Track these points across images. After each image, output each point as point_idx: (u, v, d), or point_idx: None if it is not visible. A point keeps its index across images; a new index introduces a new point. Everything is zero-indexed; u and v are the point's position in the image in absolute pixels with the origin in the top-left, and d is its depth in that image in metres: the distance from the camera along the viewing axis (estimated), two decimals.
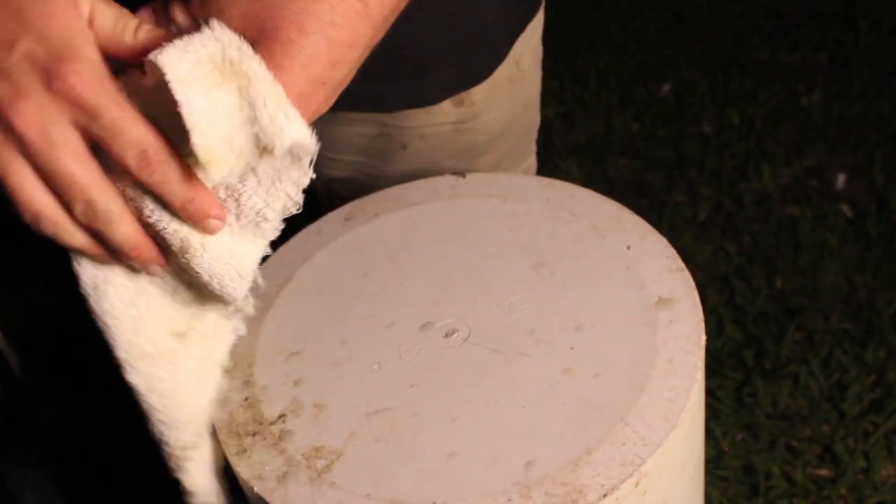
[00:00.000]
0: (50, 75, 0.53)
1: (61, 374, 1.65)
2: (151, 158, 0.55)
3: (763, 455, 1.54)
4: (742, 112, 2.22)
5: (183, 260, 0.60)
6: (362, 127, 0.93)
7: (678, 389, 0.66)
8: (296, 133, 0.54)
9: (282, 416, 0.69)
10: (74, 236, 0.59)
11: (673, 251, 0.76)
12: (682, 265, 0.75)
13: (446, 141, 0.95)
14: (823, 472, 1.52)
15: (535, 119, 1.06)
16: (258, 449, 0.68)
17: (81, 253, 0.62)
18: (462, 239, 0.81)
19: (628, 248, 0.77)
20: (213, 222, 0.59)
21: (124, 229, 0.58)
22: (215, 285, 0.62)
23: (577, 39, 2.46)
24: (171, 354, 0.66)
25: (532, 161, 1.10)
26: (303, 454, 0.66)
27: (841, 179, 2.02)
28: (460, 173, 0.87)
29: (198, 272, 0.61)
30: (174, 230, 0.59)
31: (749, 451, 1.55)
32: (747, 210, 1.98)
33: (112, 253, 0.61)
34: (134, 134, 0.54)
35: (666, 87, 2.33)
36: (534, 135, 1.08)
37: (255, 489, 0.65)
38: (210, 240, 0.60)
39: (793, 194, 2.00)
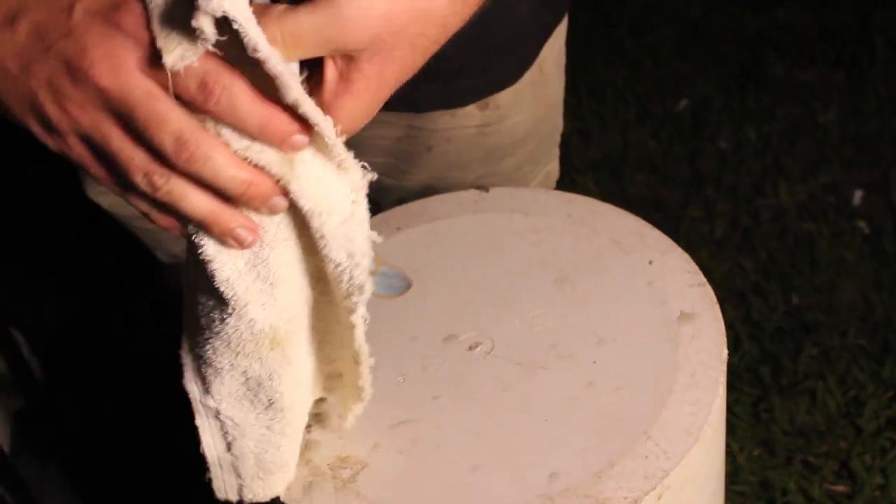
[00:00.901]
0: (109, 23, 0.51)
1: (83, 382, 1.66)
2: (212, 85, 0.51)
3: (780, 471, 1.54)
4: (758, 128, 2.22)
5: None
6: (388, 129, 0.94)
7: (700, 403, 0.66)
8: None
9: (308, 427, 0.70)
10: (185, 196, 0.54)
11: (694, 266, 0.77)
12: (704, 280, 0.75)
13: (471, 143, 0.96)
14: (840, 488, 1.52)
15: (557, 123, 1.07)
16: None
17: (198, 226, 0.56)
18: (484, 253, 0.82)
19: (650, 263, 0.77)
20: (298, 139, 0.53)
21: (224, 161, 0.53)
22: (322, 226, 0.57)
23: (594, 55, 2.47)
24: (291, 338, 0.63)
25: (554, 166, 1.10)
26: (328, 464, 0.67)
27: (858, 196, 2.02)
28: (483, 188, 0.88)
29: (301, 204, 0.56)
30: (267, 163, 0.54)
31: (765, 467, 1.55)
32: (764, 226, 1.98)
33: (232, 217, 0.56)
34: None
35: (682, 104, 2.34)
36: (557, 139, 1.09)
37: (281, 498, 0.66)
38: (304, 169, 0.55)
39: (809, 211, 2.01)
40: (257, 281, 0.58)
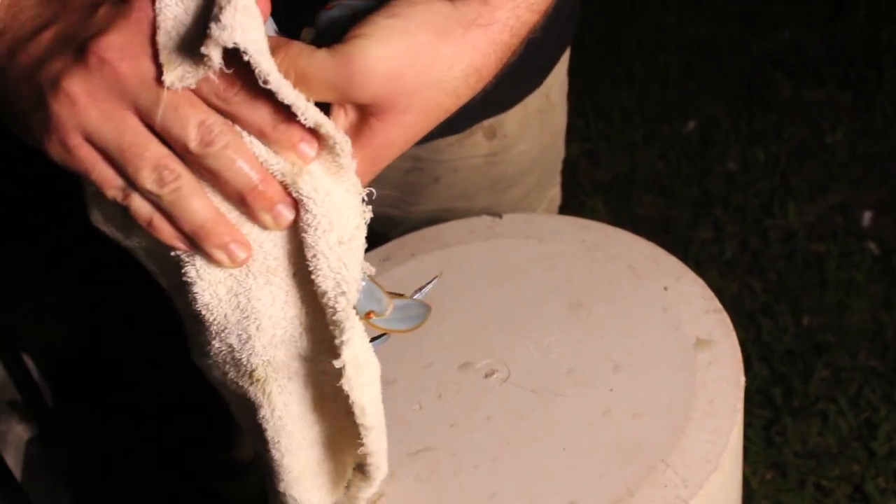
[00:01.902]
0: (130, 17, 0.51)
1: (92, 406, 1.66)
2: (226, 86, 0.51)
3: (792, 494, 1.53)
4: (766, 149, 2.22)
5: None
6: (395, 161, 0.94)
7: (718, 431, 0.66)
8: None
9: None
10: (191, 198, 0.53)
11: (710, 292, 0.77)
12: (720, 306, 0.75)
13: (478, 173, 0.96)
14: None
15: (561, 150, 1.07)
16: None
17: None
18: (499, 279, 0.82)
19: (665, 289, 0.77)
20: (304, 147, 0.53)
21: (242, 154, 0.52)
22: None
23: (602, 77, 2.47)
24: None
25: (556, 192, 1.11)
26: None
27: (867, 216, 2.02)
28: (496, 214, 0.88)
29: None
30: (277, 169, 0.54)
31: (778, 490, 1.54)
32: (773, 247, 1.98)
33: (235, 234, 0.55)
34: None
35: (690, 125, 2.34)
36: (559, 166, 1.09)
37: None
38: (312, 181, 0.55)
39: (818, 231, 2.00)
40: (237, 311, 0.57)
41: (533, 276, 0.81)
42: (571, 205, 1.81)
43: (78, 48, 0.51)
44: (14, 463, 1.19)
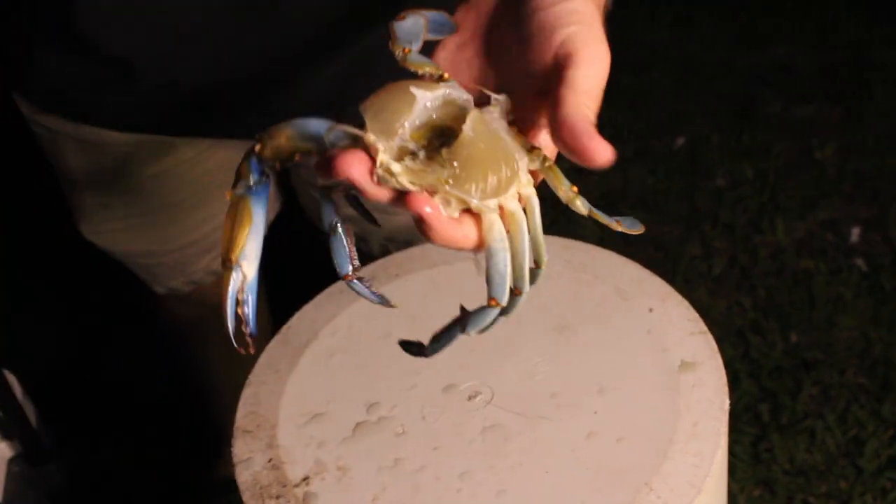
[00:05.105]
0: None
1: (75, 424, 1.66)
2: None
3: None
4: (755, 166, 2.22)
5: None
6: None
7: (702, 455, 0.66)
8: None
9: (305, 479, 0.70)
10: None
11: (695, 314, 0.76)
12: (705, 328, 0.75)
13: None
14: None
15: None
16: None
17: None
18: (484, 300, 0.81)
19: (650, 310, 0.77)
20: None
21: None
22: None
23: None
24: None
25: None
26: None
27: (855, 233, 2.03)
28: None
29: None
30: None
31: None
32: (762, 264, 1.98)
33: None
34: None
35: (680, 141, 2.34)
36: None
37: None
38: None
39: (807, 248, 2.01)
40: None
41: None
42: (560, 220, 1.81)
43: None
44: None
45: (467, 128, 0.53)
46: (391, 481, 0.68)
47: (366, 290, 0.61)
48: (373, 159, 0.53)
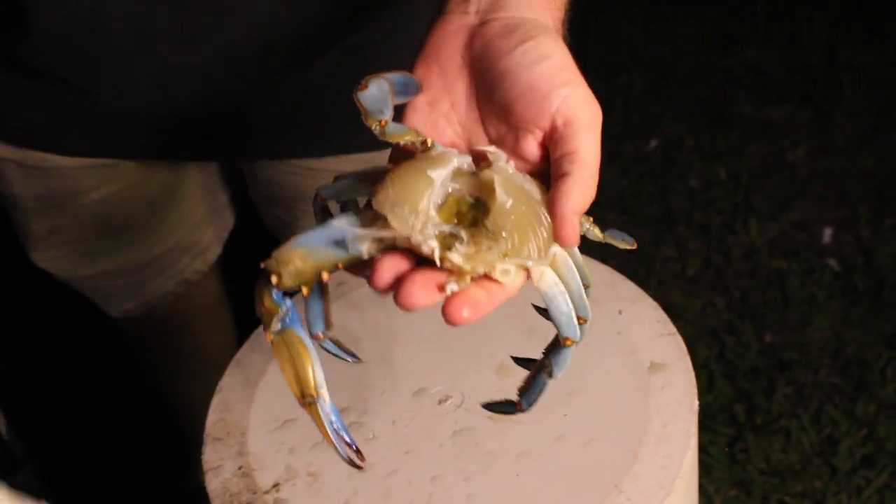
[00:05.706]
0: None
1: (47, 437, 1.64)
2: None
3: None
4: (728, 167, 2.23)
5: None
6: (352, 165, 0.93)
7: (671, 456, 0.66)
8: None
9: (276, 485, 0.69)
10: None
11: (664, 315, 0.77)
12: (674, 329, 0.75)
13: None
14: None
15: None
16: None
17: None
18: None
19: (620, 312, 0.77)
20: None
21: None
22: None
23: None
24: None
25: None
26: None
27: (827, 233, 2.04)
28: None
29: None
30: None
31: None
32: (735, 265, 1.99)
33: None
34: None
35: (653, 143, 2.35)
36: None
37: None
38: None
39: (780, 248, 2.02)
40: None
41: None
42: None
43: None
44: None
45: (500, 193, 0.52)
46: (362, 486, 0.68)
47: (336, 348, 0.61)
48: (413, 258, 0.52)
